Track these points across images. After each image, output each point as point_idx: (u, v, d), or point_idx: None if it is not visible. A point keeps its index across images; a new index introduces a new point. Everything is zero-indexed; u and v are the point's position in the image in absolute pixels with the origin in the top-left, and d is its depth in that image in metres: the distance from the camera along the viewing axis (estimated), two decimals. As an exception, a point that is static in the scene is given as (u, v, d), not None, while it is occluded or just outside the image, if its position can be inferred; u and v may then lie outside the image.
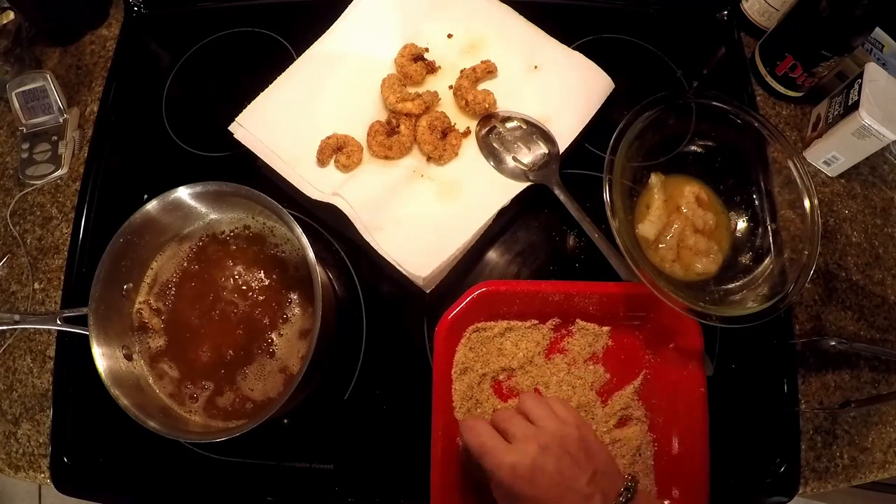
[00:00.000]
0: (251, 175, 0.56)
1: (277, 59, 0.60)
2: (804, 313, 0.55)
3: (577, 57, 0.58)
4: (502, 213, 0.54)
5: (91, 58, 0.65)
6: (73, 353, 0.53)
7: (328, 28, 0.60)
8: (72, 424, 0.51)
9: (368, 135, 0.56)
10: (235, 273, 0.51)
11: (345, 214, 0.52)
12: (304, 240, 0.45)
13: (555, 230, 0.56)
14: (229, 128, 0.56)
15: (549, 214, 0.56)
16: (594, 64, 0.58)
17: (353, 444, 0.50)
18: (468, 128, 0.57)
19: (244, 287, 0.50)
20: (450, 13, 0.61)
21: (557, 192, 0.54)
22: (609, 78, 0.58)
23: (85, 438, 0.51)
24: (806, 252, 0.49)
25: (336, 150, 0.55)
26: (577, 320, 0.51)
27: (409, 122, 0.55)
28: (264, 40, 0.63)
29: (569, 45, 0.59)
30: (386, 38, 0.60)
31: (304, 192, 0.54)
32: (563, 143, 0.55)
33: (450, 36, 0.60)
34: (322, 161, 0.55)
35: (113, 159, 0.60)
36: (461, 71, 0.58)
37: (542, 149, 0.56)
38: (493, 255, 0.56)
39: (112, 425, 0.48)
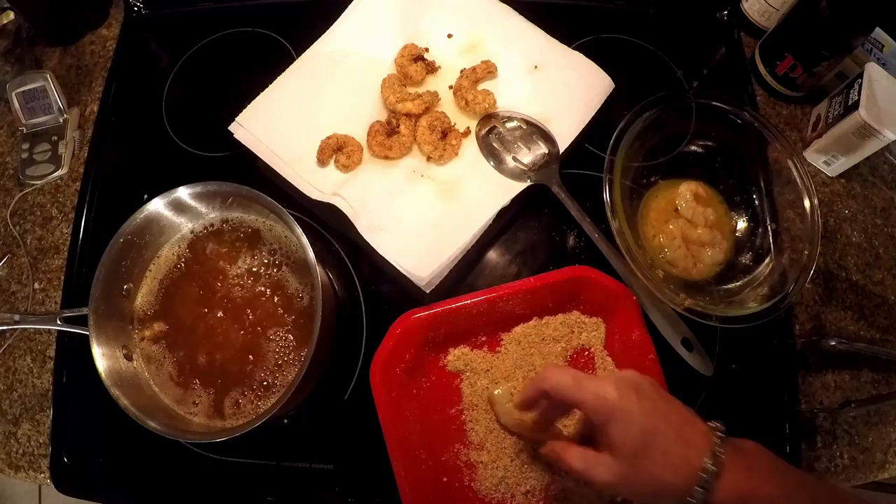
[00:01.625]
0: (251, 175, 0.56)
1: (277, 59, 0.60)
2: (804, 313, 0.55)
3: (577, 57, 0.59)
4: (502, 213, 0.54)
5: (91, 58, 0.65)
6: (73, 353, 0.53)
7: (328, 28, 0.60)
8: (72, 424, 0.52)
9: (368, 135, 0.56)
10: (235, 273, 0.50)
11: (345, 214, 0.52)
12: (304, 240, 0.46)
13: (555, 230, 0.56)
14: (229, 128, 0.56)
15: (550, 214, 0.56)
16: (594, 64, 0.58)
17: (353, 445, 0.51)
18: (468, 128, 0.57)
19: (244, 287, 0.50)
20: (450, 13, 0.61)
21: (557, 192, 0.54)
22: (609, 78, 0.58)
23: (85, 438, 0.51)
24: (806, 252, 0.49)
25: (336, 150, 0.55)
26: (514, 328, 0.50)
27: (410, 122, 0.55)
28: (264, 40, 0.64)
29: (569, 45, 0.60)
30: (386, 39, 0.60)
31: (304, 192, 0.54)
32: (563, 143, 0.56)
33: (450, 36, 0.60)
34: (322, 161, 0.55)
35: (113, 159, 0.60)
36: (461, 71, 0.58)
37: (542, 149, 0.56)
38: (493, 255, 0.56)
39: (112, 425, 0.48)
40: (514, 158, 0.56)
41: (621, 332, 0.51)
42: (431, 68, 0.59)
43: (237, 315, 0.49)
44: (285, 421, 0.51)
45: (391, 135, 0.55)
